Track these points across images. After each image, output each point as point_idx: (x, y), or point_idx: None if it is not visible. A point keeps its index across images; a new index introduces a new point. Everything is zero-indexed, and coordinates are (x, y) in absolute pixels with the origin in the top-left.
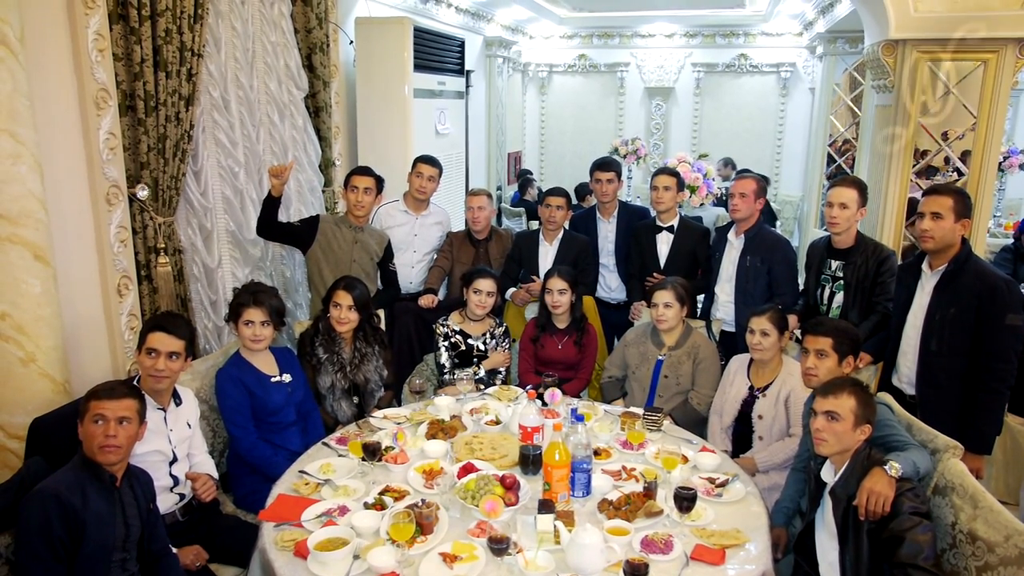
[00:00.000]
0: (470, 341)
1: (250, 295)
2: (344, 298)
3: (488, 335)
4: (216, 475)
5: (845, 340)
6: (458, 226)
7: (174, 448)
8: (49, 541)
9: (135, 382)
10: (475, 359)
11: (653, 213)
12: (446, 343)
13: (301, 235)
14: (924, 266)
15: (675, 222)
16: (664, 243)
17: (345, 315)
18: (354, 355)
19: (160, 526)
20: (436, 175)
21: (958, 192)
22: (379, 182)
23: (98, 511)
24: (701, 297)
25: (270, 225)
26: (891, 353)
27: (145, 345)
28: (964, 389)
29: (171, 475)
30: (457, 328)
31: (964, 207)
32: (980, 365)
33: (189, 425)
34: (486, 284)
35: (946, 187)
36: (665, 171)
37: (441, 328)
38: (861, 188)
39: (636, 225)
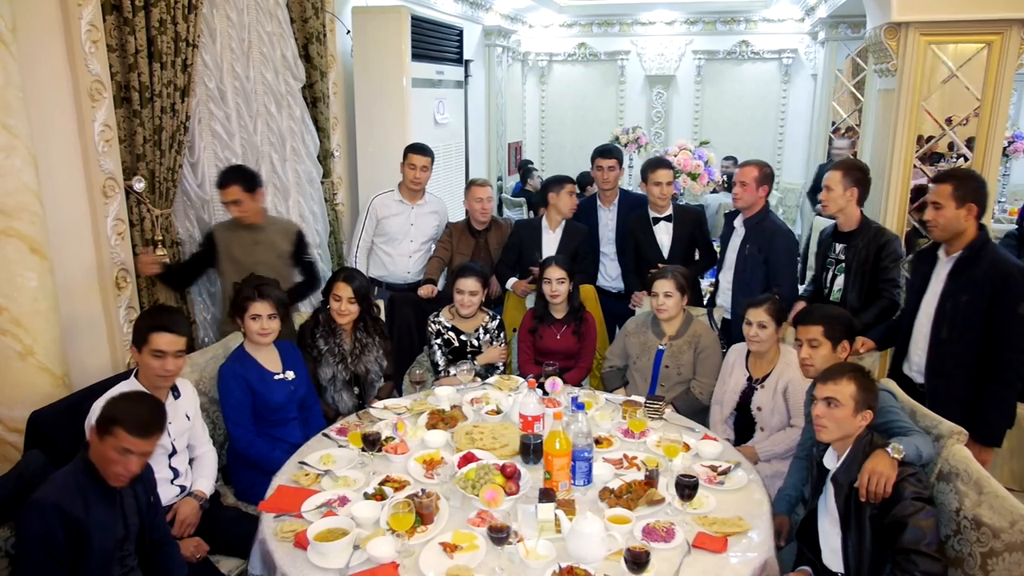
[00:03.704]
0: (463, 337)
1: (253, 288)
2: (344, 290)
3: (482, 330)
4: (215, 470)
5: (836, 326)
6: (455, 216)
7: (173, 441)
8: (51, 551)
9: (134, 376)
10: (469, 355)
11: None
12: (438, 340)
13: (207, 257)
14: (940, 252)
15: (671, 210)
16: (665, 233)
17: (346, 307)
18: (354, 346)
19: (160, 515)
20: (429, 164)
21: (958, 177)
22: (249, 181)
23: (100, 518)
24: (705, 283)
25: (181, 282)
26: (903, 341)
27: (150, 347)
28: (973, 379)
29: (171, 467)
30: (449, 324)
31: (966, 192)
32: (991, 355)
33: (188, 417)
34: (468, 284)
35: (948, 173)
36: (662, 164)
37: (432, 325)
38: (847, 169)
39: (630, 218)
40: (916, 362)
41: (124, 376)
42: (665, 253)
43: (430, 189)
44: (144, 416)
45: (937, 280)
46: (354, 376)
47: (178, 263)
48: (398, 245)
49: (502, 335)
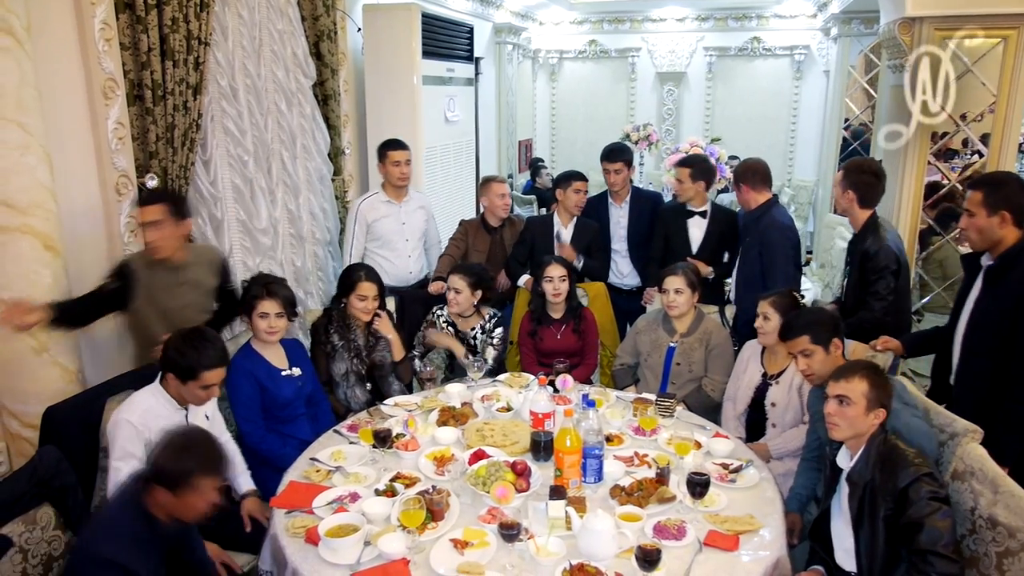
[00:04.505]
0: (459, 334)
1: (262, 287)
2: (371, 289)
3: (479, 328)
4: (243, 459)
5: (820, 329)
6: (459, 212)
7: None
8: None
9: (159, 381)
10: (467, 357)
11: (668, 197)
12: (429, 329)
13: (118, 294)
14: (984, 257)
15: (707, 207)
16: (697, 228)
17: (371, 305)
18: (368, 340)
19: (194, 533)
20: (410, 156)
21: (989, 183)
22: (178, 204)
23: (154, 567)
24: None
25: (79, 320)
26: (946, 349)
27: (200, 383)
28: (994, 394)
29: None
30: (449, 319)
31: (998, 199)
32: (1010, 372)
33: (207, 417)
34: (454, 280)
35: (980, 179)
36: (681, 162)
37: (431, 316)
38: (848, 170)
39: (662, 208)
40: (954, 371)
41: (142, 376)
42: (694, 248)
43: (442, 186)
44: (215, 453)
45: (975, 287)
46: (369, 369)
47: (73, 301)
48: (395, 247)
49: (497, 333)
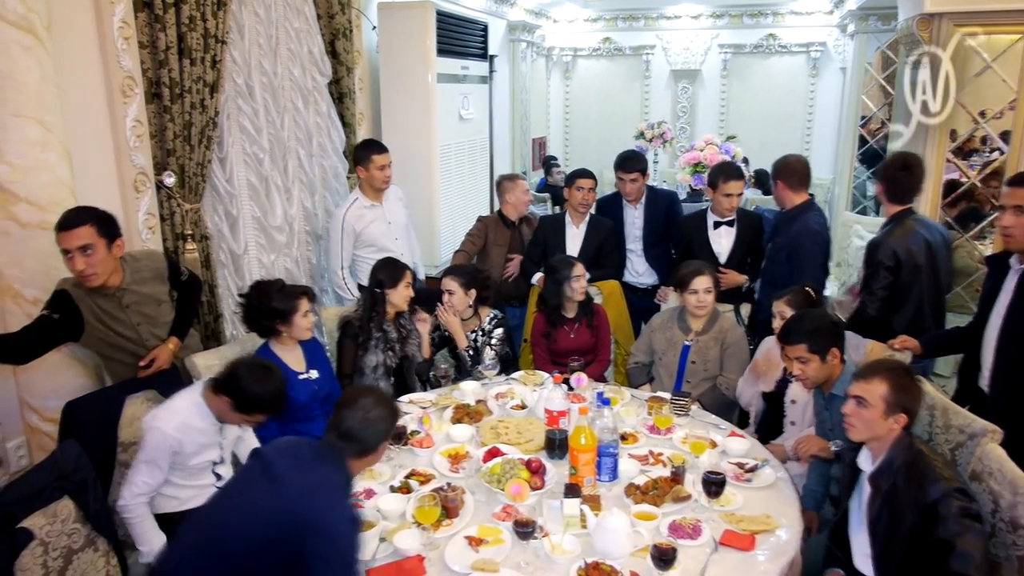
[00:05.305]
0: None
1: (289, 294)
2: (411, 276)
3: (480, 332)
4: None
5: (819, 338)
6: (473, 210)
7: (223, 452)
8: None
9: (201, 392)
10: (468, 352)
11: (681, 196)
12: (434, 334)
13: (64, 325)
14: (1012, 259)
15: (733, 215)
16: (726, 237)
17: (409, 291)
18: (400, 332)
19: None
20: (391, 157)
21: None
22: (106, 224)
23: None
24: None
25: (20, 355)
26: (974, 350)
27: (246, 418)
28: None
29: (214, 473)
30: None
31: None
32: None
33: (240, 426)
34: (447, 283)
35: None
36: (735, 175)
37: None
38: (882, 163)
39: (682, 219)
40: (986, 375)
41: (163, 375)
42: (723, 259)
43: (456, 184)
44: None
45: (1006, 291)
46: (399, 362)
47: (10, 335)
48: (388, 250)
49: (496, 334)
